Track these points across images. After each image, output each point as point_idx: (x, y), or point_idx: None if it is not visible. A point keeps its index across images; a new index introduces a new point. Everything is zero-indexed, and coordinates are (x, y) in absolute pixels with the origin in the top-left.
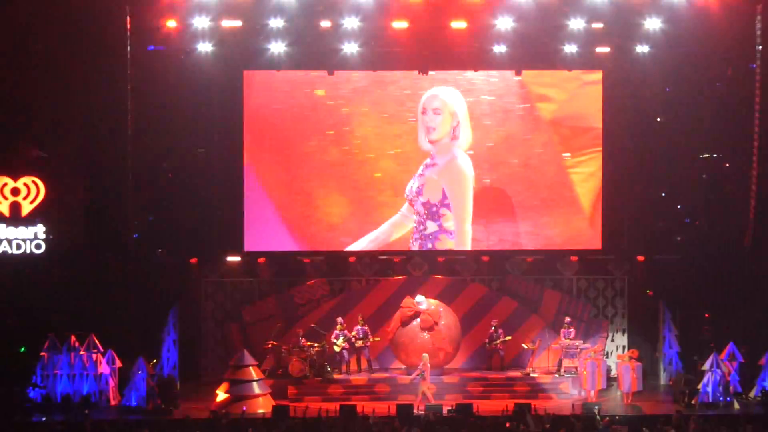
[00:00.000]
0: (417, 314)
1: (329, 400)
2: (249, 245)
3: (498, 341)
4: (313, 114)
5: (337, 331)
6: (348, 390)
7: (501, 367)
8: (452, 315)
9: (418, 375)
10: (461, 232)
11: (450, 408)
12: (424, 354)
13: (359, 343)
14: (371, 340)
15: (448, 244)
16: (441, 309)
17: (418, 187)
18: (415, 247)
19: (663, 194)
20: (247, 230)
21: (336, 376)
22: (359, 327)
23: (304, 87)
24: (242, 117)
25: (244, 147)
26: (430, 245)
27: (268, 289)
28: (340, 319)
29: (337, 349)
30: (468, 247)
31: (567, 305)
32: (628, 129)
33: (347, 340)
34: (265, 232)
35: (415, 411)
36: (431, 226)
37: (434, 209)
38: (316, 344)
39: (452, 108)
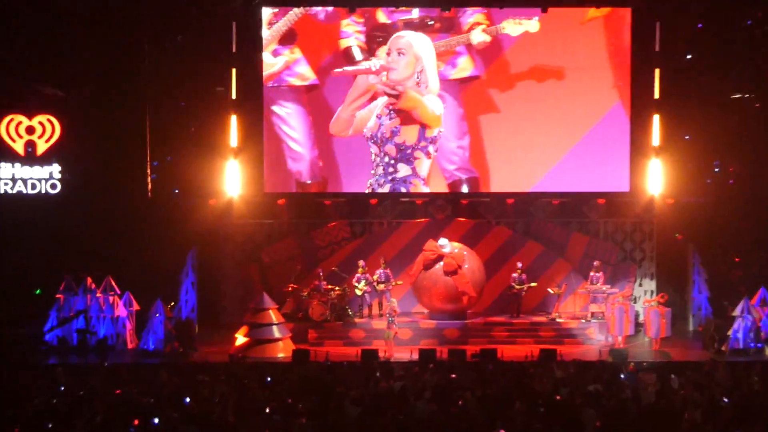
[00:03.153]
0: (440, 257)
1: (350, 344)
2: (269, 186)
3: (524, 286)
4: None
5: (359, 275)
6: (369, 334)
7: (517, 312)
8: (476, 258)
9: (389, 320)
10: (433, 176)
11: (474, 353)
12: (392, 299)
13: (381, 287)
14: (393, 283)
15: (420, 188)
16: (464, 252)
17: (395, 128)
18: (386, 190)
19: (687, 137)
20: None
21: (357, 320)
22: (381, 270)
23: None
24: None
25: None
26: (403, 189)
27: (288, 230)
28: (361, 263)
29: (358, 292)
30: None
31: (594, 249)
32: (658, 68)
33: (369, 283)
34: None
35: (381, 356)
36: (403, 170)
37: (408, 151)
38: (336, 287)
39: (417, 52)
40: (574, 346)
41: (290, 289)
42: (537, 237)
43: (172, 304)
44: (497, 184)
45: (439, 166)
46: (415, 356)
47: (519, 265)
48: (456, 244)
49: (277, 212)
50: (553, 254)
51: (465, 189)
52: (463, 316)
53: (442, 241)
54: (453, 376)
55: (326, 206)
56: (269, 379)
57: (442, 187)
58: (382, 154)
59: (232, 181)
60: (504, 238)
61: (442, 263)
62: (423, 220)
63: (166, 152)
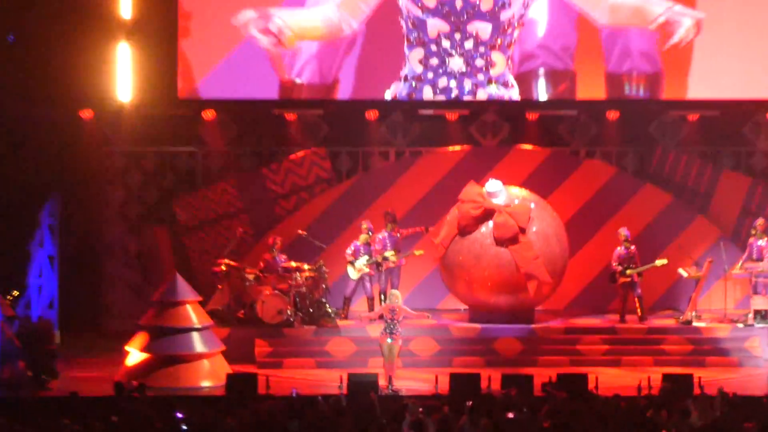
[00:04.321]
0: (488, 213)
1: (329, 365)
2: (187, 89)
3: (637, 270)
4: None
5: (358, 243)
6: (363, 348)
7: (640, 314)
8: (552, 216)
9: (388, 326)
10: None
11: (548, 382)
12: (393, 291)
13: (393, 259)
14: (408, 253)
15: (516, 94)
16: (531, 206)
17: None
18: (483, 96)
19: None
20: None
21: (342, 323)
22: (385, 234)
23: None
24: None
25: None
26: (505, 94)
27: (222, 166)
28: (366, 224)
29: (354, 275)
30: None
31: (760, 199)
32: None
33: (374, 262)
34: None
35: (384, 387)
36: (500, 63)
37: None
38: (306, 266)
39: None
40: (724, 368)
41: (224, 268)
42: (660, 179)
43: (15, 294)
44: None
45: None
46: (444, 386)
47: (624, 233)
48: (517, 190)
49: (201, 134)
50: (688, 208)
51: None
52: (529, 318)
53: (493, 184)
54: (510, 416)
55: (288, 124)
56: (185, 427)
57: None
58: (460, 37)
59: (122, 78)
60: (602, 179)
61: (491, 224)
62: (459, 148)
63: (5, 28)
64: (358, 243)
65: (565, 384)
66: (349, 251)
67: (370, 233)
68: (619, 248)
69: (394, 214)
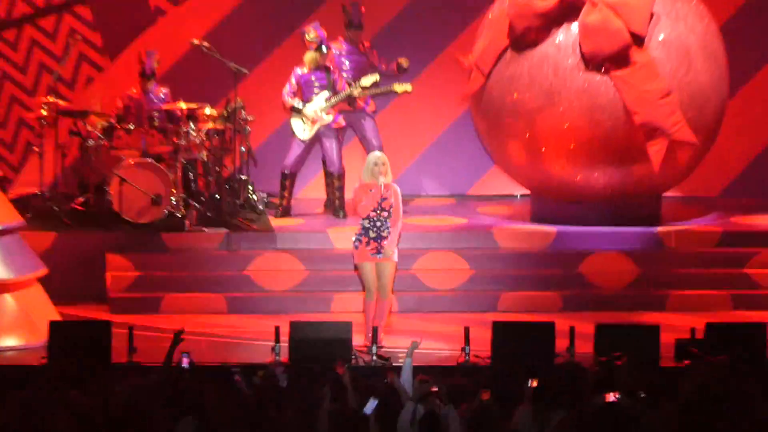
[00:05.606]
0: (569, 6)
1: (253, 307)
2: None
3: None
4: None
5: (303, 71)
6: (320, 271)
7: None
8: (697, 14)
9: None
10: None
11: (687, 339)
12: (373, 153)
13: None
14: (395, 90)
15: None
16: None
17: None
18: None
19: None
20: None
21: (279, 225)
22: (342, 48)
23: None
24: None
25: None
26: None
27: None
28: (315, 30)
29: (304, 132)
30: None
31: None
32: None
33: (346, 97)
34: None
35: (362, 350)
36: None
37: None
38: (209, 109)
39: None
40: None
41: (44, 113)
42: None
43: None
44: None
45: None
46: (482, 347)
47: None
48: None
49: None
50: None
51: None
52: (651, 213)
53: None
54: (611, 399)
55: None
56: None
57: None
58: None
59: None
60: None
61: (575, 27)
62: None
63: None
64: (303, 70)
65: (725, 342)
66: (287, 91)
67: (324, 47)
68: None
69: (359, 10)
